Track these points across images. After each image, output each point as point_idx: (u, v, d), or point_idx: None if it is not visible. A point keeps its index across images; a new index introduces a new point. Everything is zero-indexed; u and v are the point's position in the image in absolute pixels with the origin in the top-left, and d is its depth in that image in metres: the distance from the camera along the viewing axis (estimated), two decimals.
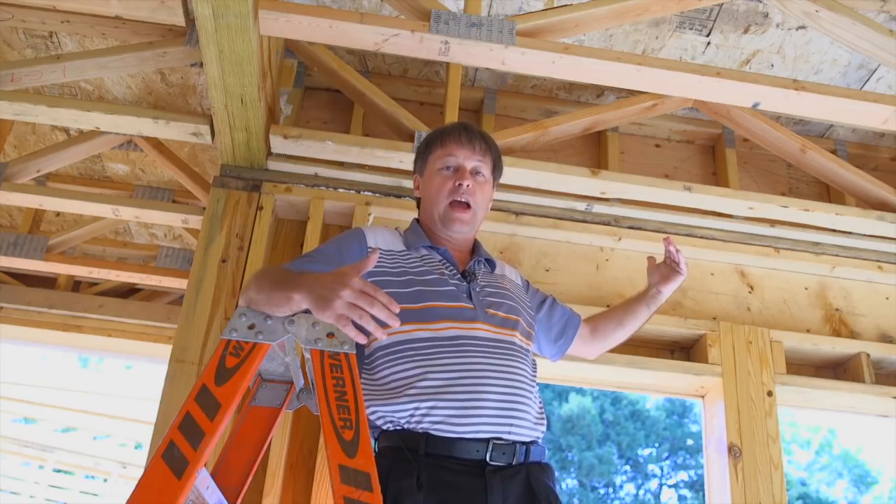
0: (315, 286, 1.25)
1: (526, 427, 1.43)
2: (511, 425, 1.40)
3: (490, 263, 1.70)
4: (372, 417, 1.43)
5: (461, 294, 1.52)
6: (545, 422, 1.51)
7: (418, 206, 1.77)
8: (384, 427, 1.42)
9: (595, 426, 13.72)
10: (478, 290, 1.56)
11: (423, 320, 1.45)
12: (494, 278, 1.65)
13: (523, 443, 1.41)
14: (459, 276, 1.58)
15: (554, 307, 1.84)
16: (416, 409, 1.38)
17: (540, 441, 1.48)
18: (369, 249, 1.53)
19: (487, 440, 1.37)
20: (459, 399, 1.38)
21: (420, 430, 1.37)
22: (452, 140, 1.68)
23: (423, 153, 1.75)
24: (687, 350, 2.38)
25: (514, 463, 1.38)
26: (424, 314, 1.45)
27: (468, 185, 1.63)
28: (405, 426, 1.38)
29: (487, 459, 1.36)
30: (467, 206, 1.63)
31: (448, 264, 1.59)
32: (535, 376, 1.54)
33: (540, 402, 1.53)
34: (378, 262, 1.51)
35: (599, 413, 13.92)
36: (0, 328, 3.67)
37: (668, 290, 1.81)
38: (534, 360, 1.58)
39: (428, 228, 1.68)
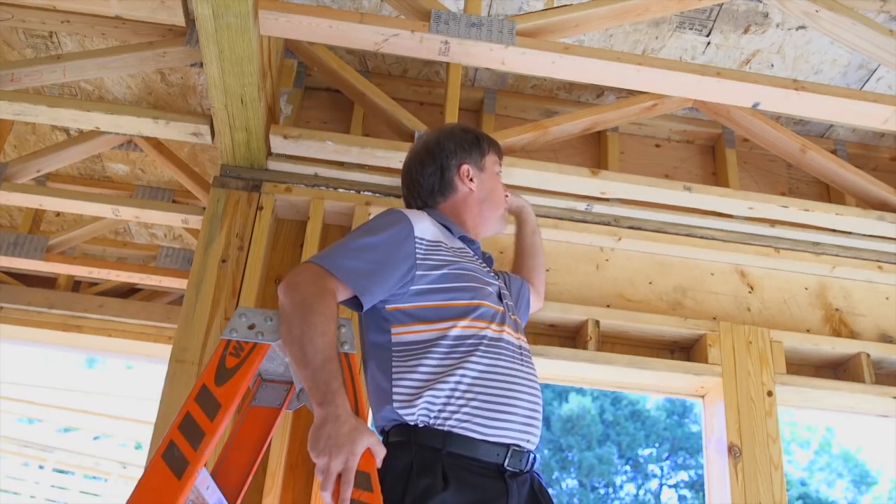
0: (331, 426, 1.21)
1: (538, 436, 1.45)
2: (531, 434, 1.42)
3: (489, 260, 1.70)
4: (402, 412, 1.37)
5: (496, 295, 1.51)
6: None
7: (446, 195, 1.67)
8: (412, 422, 1.36)
9: (595, 426, 13.71)
10: (505, 291, 1.57)
11: (462, 317, 1.43)
12: (502, 277, 1.66)
13: (531, 450, 1.43)
14: (493, 274, 1.58)
15: (513, 280, 1.84)
16: (451, 395, 1.35)
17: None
18: (417, 240, 1.47)
19: (508, 446, 1.37)
20: (490, 402, 1.37)
21: (446, 429, 1.34)
22: (499, 152, 1.79)
23: (478, 147, 1.72)
24: (687, 350, 2.38)
25: (524, 469, 1.39)
26: (466, 311, 1.43)
27: None
28: (429, 422, 1.34)
29: (505, 465, 1.35)
30: None
31: (481, 261, 1.60)
32: None
33: None
34: (424, 254, 1.46)
35: (599, 413, 13.91)
36: (0, 328, 3.66)
37: (525, 210, 2.02)
38: None
39: (461, 221, 1.65)
